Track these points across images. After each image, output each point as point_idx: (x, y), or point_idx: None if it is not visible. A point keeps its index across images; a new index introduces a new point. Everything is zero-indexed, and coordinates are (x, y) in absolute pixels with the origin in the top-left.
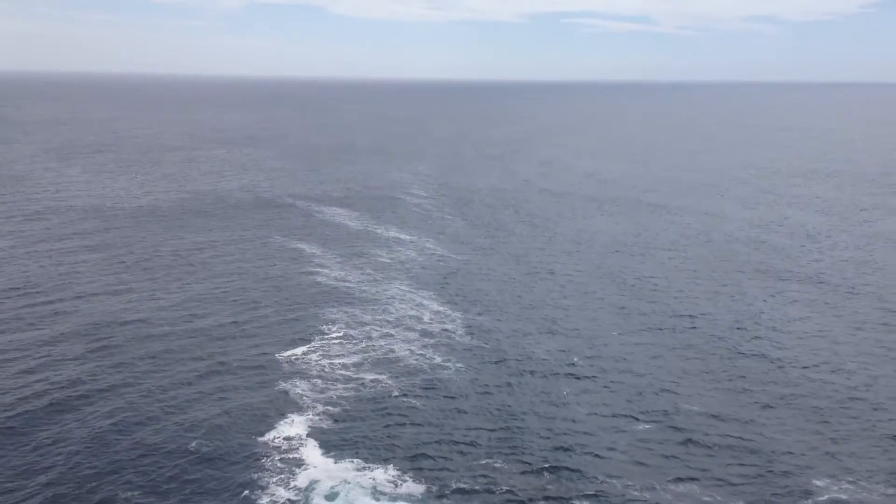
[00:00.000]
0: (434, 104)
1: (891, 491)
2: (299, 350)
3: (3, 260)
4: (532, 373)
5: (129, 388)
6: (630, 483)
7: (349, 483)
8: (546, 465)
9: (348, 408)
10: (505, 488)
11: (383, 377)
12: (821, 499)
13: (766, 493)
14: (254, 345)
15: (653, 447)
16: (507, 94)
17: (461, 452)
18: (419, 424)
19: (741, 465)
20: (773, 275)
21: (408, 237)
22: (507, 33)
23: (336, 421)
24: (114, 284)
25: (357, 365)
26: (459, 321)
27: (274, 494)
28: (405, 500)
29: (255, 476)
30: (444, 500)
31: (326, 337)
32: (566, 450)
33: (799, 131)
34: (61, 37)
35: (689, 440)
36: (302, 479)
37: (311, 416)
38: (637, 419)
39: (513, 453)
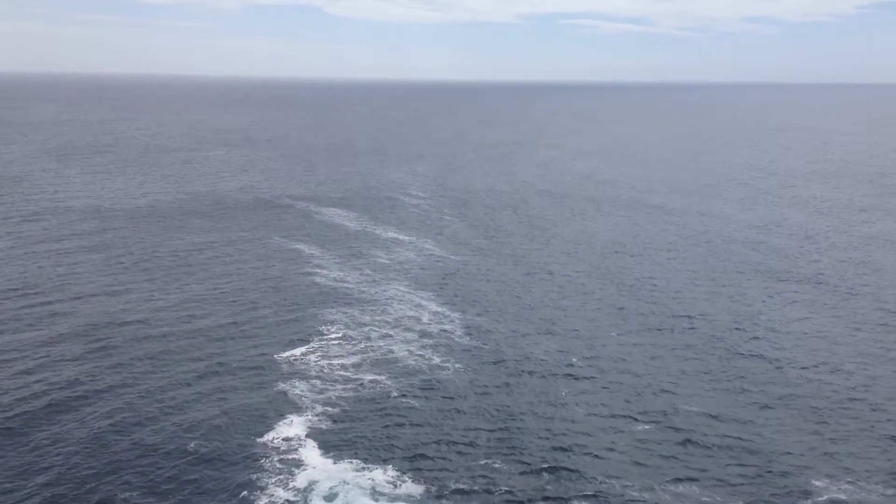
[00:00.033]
0: (433, 105)
1: (890, 491)
2: (298, 351)
3: (2, 261)
4: (531, 373)
5: (127, 389)
6: (629, 483)
7: (348, 483)
8: (545, 466)
9: (347, 408)
10: (504, 489)
11: (382, 378)
12: (820, 499)
13: (765, 493)
14: (252, 345)
15: (652, 447)
16: (506, 95)
17: (460, 453)
18: (418, 425)
19: (740, 465)
20: (771, 275)
21: (406, 238)
22: (505, 34)
23: (335, 421)
24: (112, 285)
25: (356, 365)
26: (458, 322)
27: (273, 495)
28: (404, 500)
29: (254, 477)
30: (443, 501)
31: (325, 337)
32: (565, 450)
33: (797, 132)
34: (60, 38)
35: (688, 440)
36: (301, 480)
37: (309, 417)
38: (636, 419)
39: (511, 454)
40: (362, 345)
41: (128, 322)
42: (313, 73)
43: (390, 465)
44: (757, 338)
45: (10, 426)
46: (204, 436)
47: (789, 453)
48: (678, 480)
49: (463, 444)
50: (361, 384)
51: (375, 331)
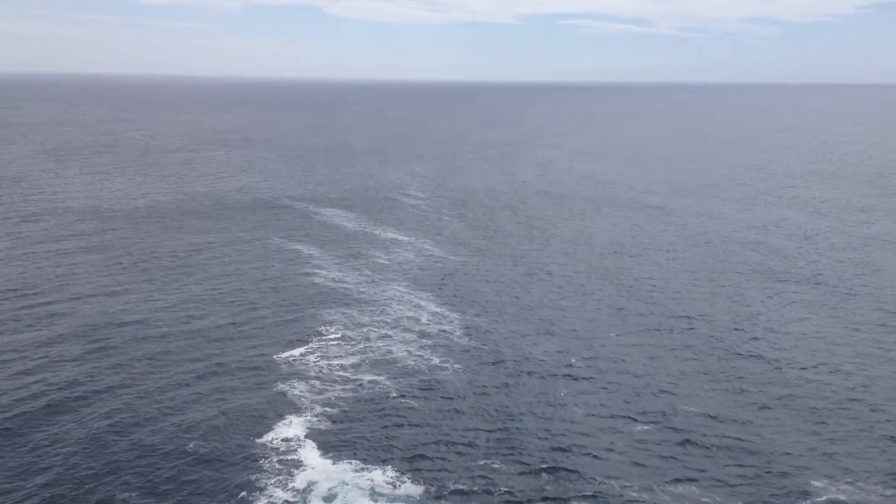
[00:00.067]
0: (433, 105)
1: (889, 492)
2: (297, 351)
3: (1, 261)
4: (530, 374)
5: (126, 390)
6: (628, 484)
7: (347, 484)
8: (544, 466)
9: (346, 409)
10: (503, 489)
11: (381, 378)
12: (819, 499)
13: (764, 493)
14: (251, 346)
15: (651, 448)
16: (506, 96)
17: (459, 453)
18: (417, 425)
19: (739, 465)
20: (770, 276)
21: (405, 238)
22: (505, 35)
23: (334, 422)
24: (111, 286)
25: (355, 366)
26: (457, 322)
27: (272, 496)
28: (403, 501)
29: (253, 477)
30: (442, 501)
31: (324, 338)
32: (564, 451)
33: (797, 132)
34: (60, 38)
35: (687, 441)
36: (300, 481)
37: (309, 418)
38: (635, 420)
39: (511, 454)
40: (361, 345)
41: (127, 322)
42: (313, 73)
43: (389, 466)
44: (756, 338)
45: (8, 427)
46: (203, 436)
47: (788, 454)
48: (677, 481)
49: (462, 444)
50: (360, 385)
51: (374, 331)
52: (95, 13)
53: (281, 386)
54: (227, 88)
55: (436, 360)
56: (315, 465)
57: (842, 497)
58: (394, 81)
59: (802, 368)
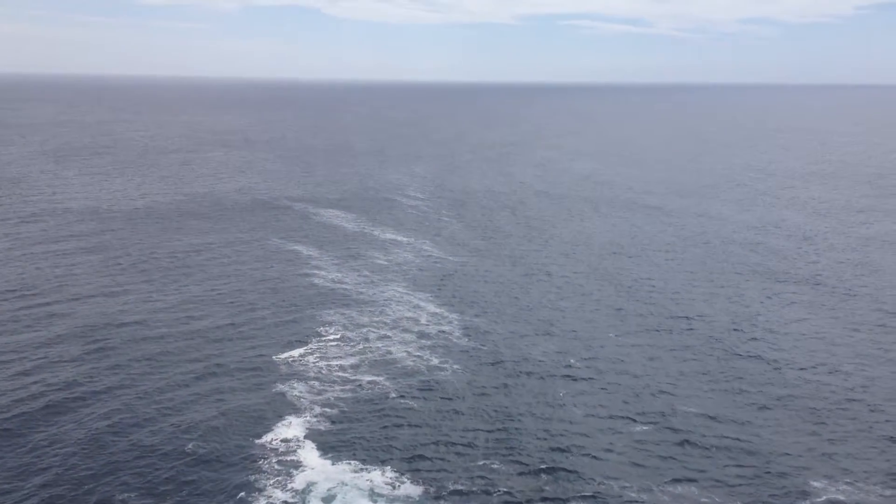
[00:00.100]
0: (432, 106)
1: (888, 492)
2: (296, 352)
3: (0, 262)
4: (529, 374)
5: (125, 390)
6: (627, 484)
7: (346, 485)
8: (543, 467)
9: (346, 409)
10: (502, 489)
11: (380, 379)
12: (818, 500)
13: (764, 494)
14: (251, 346)
15: (650, 448)
16: (505, 96)
17: (458, 454)
18: (416, 426)
19: (738, 466)
20: (770, 276)
21: (405, 239)
22: (504, 35)
23: (333, 422)
24: (110, 286)
25: (354, 366)
26: (456, 323)
27: (271, 496)
28: (402, 501)
29: (252, 478)
30: (442, 502)
31: (323, 338)
32: (563, 451)
33: (796, 133)
34: (59, 39)
35: (687, 441)
36: (299, 481)
37: (308, 418)
38: (634, 420)
39: (510, 455)
40: (360, 346)
41: (126, 323)
42: (312, 74)
43: (389, 466)
44: (755, 339)
45: (8, 427)
46: (202, 437)
47: (787, 454)
48: (676, 481)
49: (461, 444)
50: (360, 385)
51: (374, 332)
52: (94, 14)
53: (280, 386)
54: (227, 89)
55: (435, 361)
56: (314, 465)
57: (841, 497)
58: (393, 82)
59: (801, 369)
